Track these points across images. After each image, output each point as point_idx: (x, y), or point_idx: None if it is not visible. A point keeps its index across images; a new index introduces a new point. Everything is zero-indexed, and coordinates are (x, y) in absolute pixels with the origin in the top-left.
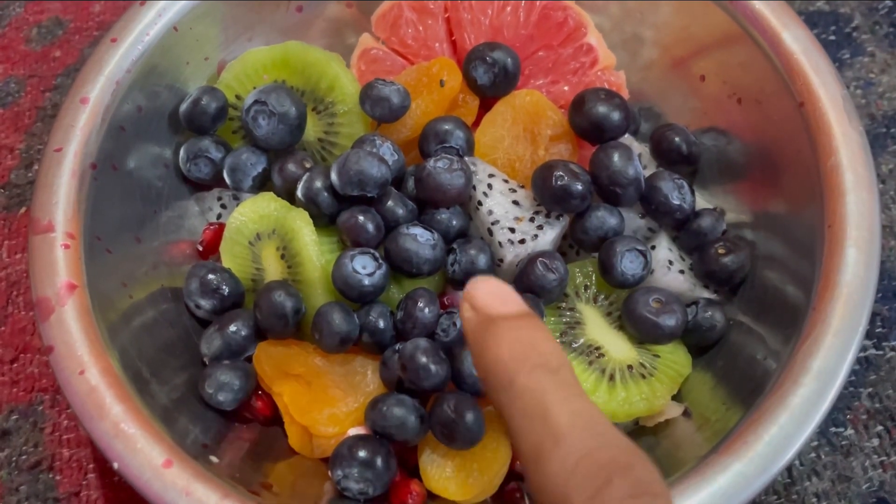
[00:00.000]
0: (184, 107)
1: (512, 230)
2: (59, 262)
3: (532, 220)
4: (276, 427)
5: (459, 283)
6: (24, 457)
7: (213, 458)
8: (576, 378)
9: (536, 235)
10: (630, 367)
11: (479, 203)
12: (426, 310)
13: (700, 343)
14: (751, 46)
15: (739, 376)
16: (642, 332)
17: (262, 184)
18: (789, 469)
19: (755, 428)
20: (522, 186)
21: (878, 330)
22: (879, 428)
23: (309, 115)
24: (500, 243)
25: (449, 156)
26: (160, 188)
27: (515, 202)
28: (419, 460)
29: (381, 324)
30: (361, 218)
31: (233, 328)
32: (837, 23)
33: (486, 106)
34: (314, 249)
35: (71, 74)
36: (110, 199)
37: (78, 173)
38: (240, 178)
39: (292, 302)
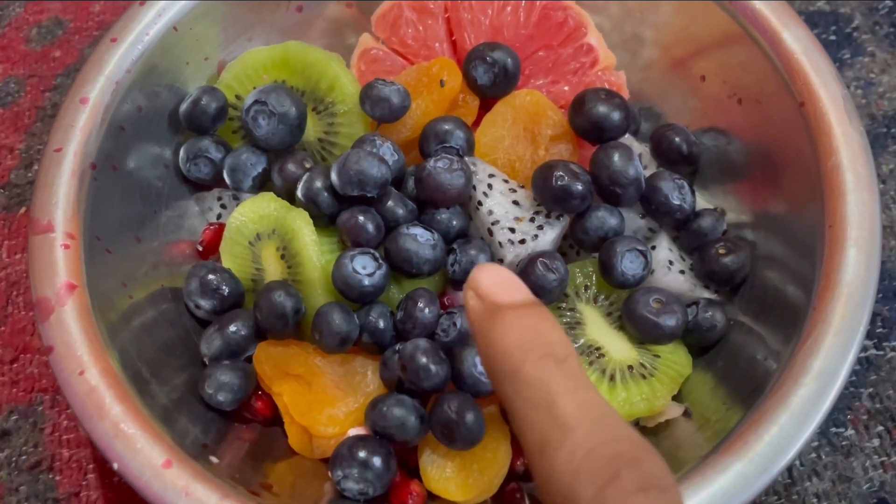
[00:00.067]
0: (184, 107)
1: (512, 230)
2: (58, 262)
3: (532, 220)
4: (276, 427)
5: (460, 283)
6: (23, 457)
7: (213, 459)
8: (583, 369)
9: (537, 235)
10: (630, 367)
11: (480, 203)
12: (426, 310)
13: (700, 343)
14: (751, 46)
15: (740, 376)
16: (642, 333)
17: (262, 184)
18: (790, 469)
19: (756, 428)
20: (522, 186)
21: (878, 330)
22: (880, 428)
23: (309, 116)
24: (500, 243)
25: (449, 156)
26: (160, 188)
27: (515, 202)
28: (419, 461)
29: (381, 324)
30: (361, 218)
31: (233, 328)
32: (838, 23)
33: (486, 106)
34: (314, 249)
35: (71, 74)
36: (110, 199)
37: (78, 173)
38: (240, 179)
39: (292, 302)
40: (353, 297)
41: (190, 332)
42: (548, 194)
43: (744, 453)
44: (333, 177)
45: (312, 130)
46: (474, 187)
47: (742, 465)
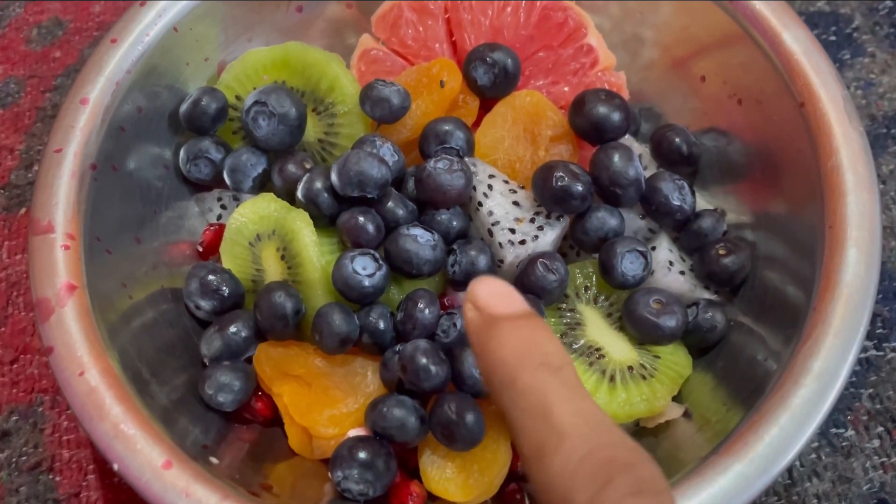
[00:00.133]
0: (184, 107)
1: (512, 231)
2: (58, 262)
3: (532, 220)
4: (276, 428)
5: (460, 284)
6: (23, 458)
7: (213, 459)
8: (578, 377)
9: (537, 236)
10: (630, 368)
11: (480, 204)
12: (426, 311)
13: (700, 344)
14: (751, 47)
15: (740, 377)
16: (643, 333)
17: (263, 184)
18: (790, 470)
19: (756, 429)
20: (523, 187)
21: (878, 331)
22: (880, 429)
23: (309, 116)
24: (500, 244)
25: (449, 156)
26: (160, 189)
27: (516, 203)
28: (419, 461)
29: (382, 325)
30: (361, 219)
31: (233, 329)
32: (838, 23)
33: (486, 106)
34: (314, 250)
35: (71, 75)
36: (110, 200)
37: (78, 174)
38: (240, 179)
39: (292, 303)
40: (353, 297)
41: (190, 333)
42: (548, 195)
43: (744, 454)
44: (333, 177)
45: (312, 131)
46: (474, 188)
47: (742, 465)
